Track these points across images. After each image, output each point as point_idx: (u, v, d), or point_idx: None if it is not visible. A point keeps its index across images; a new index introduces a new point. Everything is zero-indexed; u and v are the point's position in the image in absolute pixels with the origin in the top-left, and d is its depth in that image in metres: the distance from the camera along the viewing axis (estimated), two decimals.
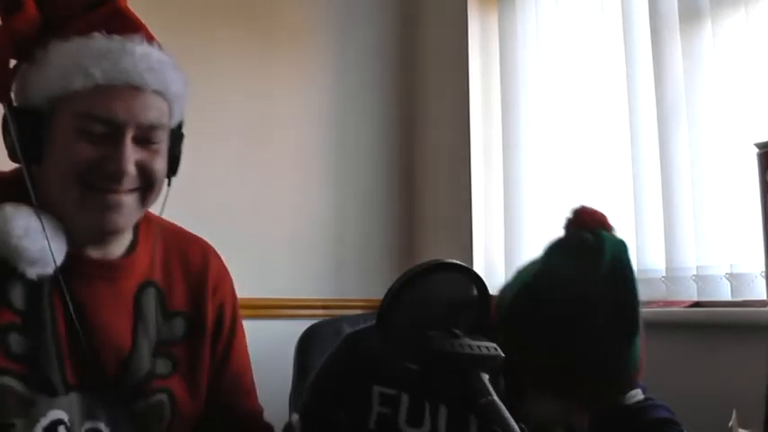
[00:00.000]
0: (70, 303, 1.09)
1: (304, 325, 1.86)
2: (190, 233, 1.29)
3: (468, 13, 2.53)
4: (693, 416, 1.10)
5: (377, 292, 1.26)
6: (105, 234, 1.14)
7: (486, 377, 0.86)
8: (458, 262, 0.95)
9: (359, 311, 2.19)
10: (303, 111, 2.56)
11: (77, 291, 1.11)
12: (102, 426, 1.11)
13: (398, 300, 0.90)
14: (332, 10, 2.66)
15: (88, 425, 1.11)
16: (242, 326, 1.31)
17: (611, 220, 1.19)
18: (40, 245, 1.05)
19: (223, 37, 2.39)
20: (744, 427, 1.20)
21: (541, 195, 2.27)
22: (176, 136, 1.18)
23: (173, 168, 1.18)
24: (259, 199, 2.43)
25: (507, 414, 0.82)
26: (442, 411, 1.20)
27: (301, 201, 2.52)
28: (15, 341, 1.06)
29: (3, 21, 1.07)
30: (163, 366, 1.18)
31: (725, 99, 1.80)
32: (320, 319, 1.97)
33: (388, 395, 1.21)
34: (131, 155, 1.08)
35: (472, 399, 0.84)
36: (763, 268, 1.53)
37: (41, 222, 1.06)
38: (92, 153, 1.06)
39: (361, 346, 1.26)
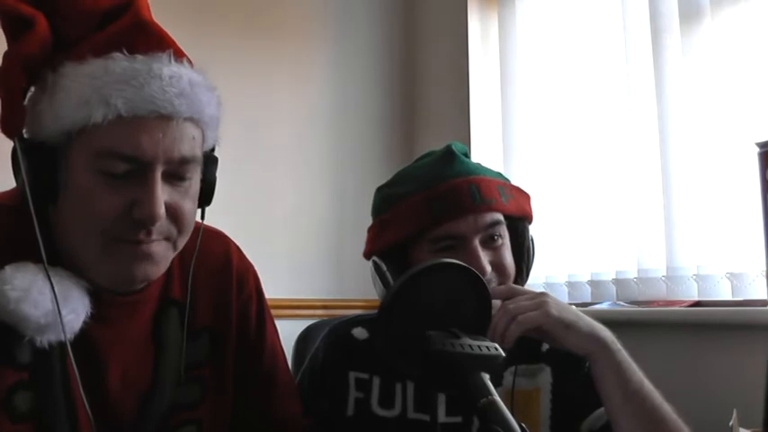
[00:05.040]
0: (71, 355, 0.96)
1: (304, 325, 1.86)
2: (207, 227, 1.13)
3: (468, 13, 2.53)
4: (693, 415, 1.10)
5: (376, 293, 1.26)
6: (135, 284, 1.01)
7: (486, 377, 0.86)
8: (458, 262, 0.95)
9: (359, 311, 2.19)
10: (303, 110, 2.56)
11: (94, 334, 0.99)
12: None
13: (399, 299, 0.90)
14: (332, 11, 2.66)
15: None
16: (271, 318, 1.22)
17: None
18: (46, 309, 0.91)
19: (222, 35, 2.39)
20: (744, 427, 1.20)
21: (541, 195, 2.27)
22: (210, 160, 1.04)
23: (207, 197, 1.05)
24: (259, 199, 2.43)
25: (508, 414, 0.81)
26: (410, 391, 1.23)
27: (301, 201, 2.52)
28: (23, 400, 0.96)
29: (10, 43, 0.93)
30: (191, 393, 1.08)
31: (725, 98, 1.79)
32: (320, 319, 1.97)
33: (362, 379, 1.25)
34: (161, 196, 0.93)
35: (472, 399, 0.84)
36: (764, 268, 1.53)
37: (50, 282, 0.92)
38: (117, 201, 0.92)
39: (337, 338, 1.30)
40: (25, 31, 0.91)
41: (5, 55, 0.94)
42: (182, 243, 1.02)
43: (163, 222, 0.95)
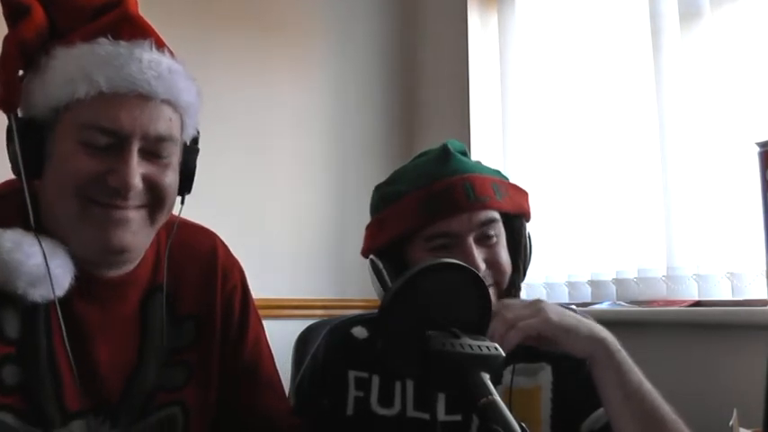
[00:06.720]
0: (64, 331, 1.02)
1: (304, 325, 1.86)
2: (193, 223, 1.21)
3: (468, 13, 2.53)
4: (693, 415, 1.10)
5: (374, 291, 1.26)
6: (112, 253, 1.05)
7: (486, 377, 0.86)
8: (458, 262, 0.95)
9: (359, 311, 2.19)
10: (303, 111, 2.56)
11: (82, 312, 1.05)
12: None
13: (398, 299, 0.90)
14: (332, 10, 2.66)
15: None
16: (256, 312, 1.26)
17: None
18: (37, 260, 0.97)
19: (222, 34, 2.39)
20: (744, 427, 1.20)
21: (541, 195, 2.27)
22: (190, 150, 1.11)
23: (187, 186, 1.11)
24: (259, 199, 2.42)
25: (508, 413, 0.81)
26: (409, 390, 1.24)
27: (301, 201, 2.52)
28: (10, 374, 1.01)
29: (9, 29, 1.02)
30: (176, 376, 1.13)
31: (725, 97, 1.80)
32: (320, 319, 1.97)
33: (362, 378, 1.25)
34: (137, 168, 1.00)
35: (472, 398, 0.84)
36: (764, 268, 1.53)
37: (38, 239, 0.99)
38: (94, 166, 0.99)
39: (337, 337, 1.31)
40: (23, 18, 1.00)
41: (5, 39, 1.02)
42: (160, 217, 1.07)
43: (138, 191, 1.01)
